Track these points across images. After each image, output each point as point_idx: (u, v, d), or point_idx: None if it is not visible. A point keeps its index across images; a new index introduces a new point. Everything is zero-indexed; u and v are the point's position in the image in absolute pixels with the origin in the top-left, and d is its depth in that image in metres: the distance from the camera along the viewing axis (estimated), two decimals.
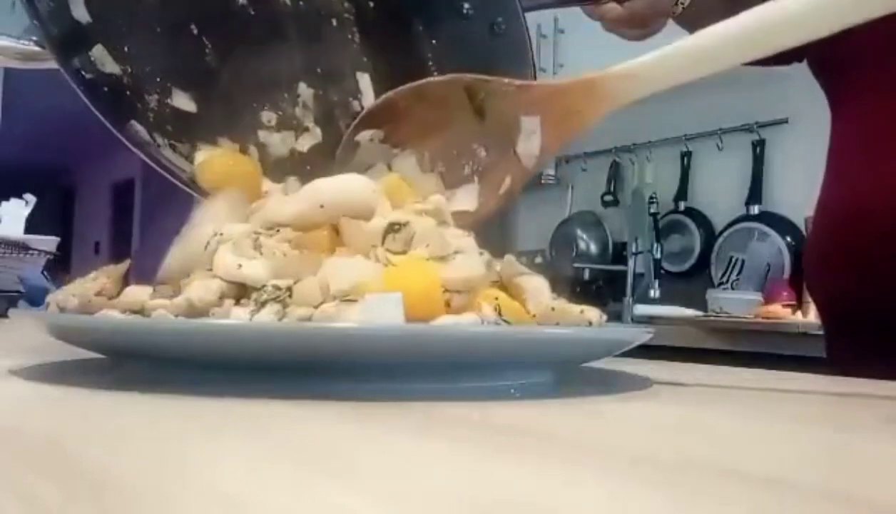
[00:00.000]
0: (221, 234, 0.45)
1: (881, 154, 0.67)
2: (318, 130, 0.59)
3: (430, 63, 0.60)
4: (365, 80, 0.59)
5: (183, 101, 0.55)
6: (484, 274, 0.43)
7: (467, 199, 0.52)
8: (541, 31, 2.64)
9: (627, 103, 0.47)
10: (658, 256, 2.65)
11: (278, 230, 0.45)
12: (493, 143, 0.51)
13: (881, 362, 0.59)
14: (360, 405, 0.35)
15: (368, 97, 0.59)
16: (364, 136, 0.52)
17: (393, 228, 0.44)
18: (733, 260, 2.53)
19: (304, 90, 0.59)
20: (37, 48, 0.57)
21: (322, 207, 0.45)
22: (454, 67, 0.55)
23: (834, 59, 0.71)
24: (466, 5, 0.57)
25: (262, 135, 0.58)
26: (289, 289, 0.40)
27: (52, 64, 0.54)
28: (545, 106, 0.49)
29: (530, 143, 0.50)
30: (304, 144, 0.58)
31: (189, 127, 0.56)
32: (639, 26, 0.58)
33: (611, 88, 0.46)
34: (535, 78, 0.61)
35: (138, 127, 0.54)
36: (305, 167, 0.57)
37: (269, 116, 0.58)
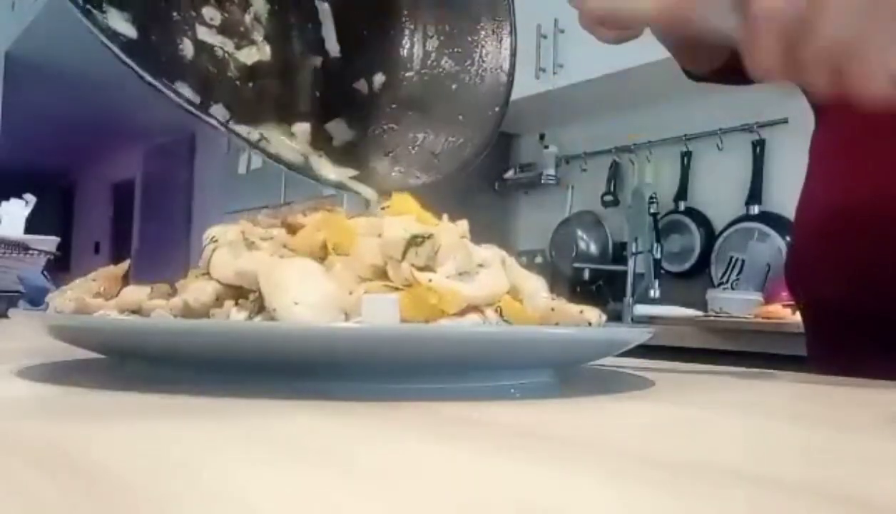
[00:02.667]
0: (216, 238, 0.44)
1: (860, 156, 0.68)
2: (266, 48, 0.54)
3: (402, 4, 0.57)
4: (324, 9, 0.56)
5: None
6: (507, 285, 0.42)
7: None
8: (541, 32, 2.64)
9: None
10: (658, 256, 2.64)
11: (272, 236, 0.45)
12: None
13: (863, 361, 0.59)
14: (361, 405, 0.35)
15: (328, 28, 0.55)
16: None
17: (416, 240, 0.40)
18: (733, 260, 2.52)
19: (258, 1, 0.54)
20: None
21: None
22: (425, 9, 0.53)
23: None
24: None
25: (202, 32, 0.52)
26: None
27: None
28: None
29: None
30: (249, 56, 0.53)
31: None
32: (616, 27, 0.57)
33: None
34: (514, 24, 0.59)
35: None
36: (247, 84, 0.52)
37: (211, 14, 0.52)
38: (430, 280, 0.39)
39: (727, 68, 0.75)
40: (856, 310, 0.66)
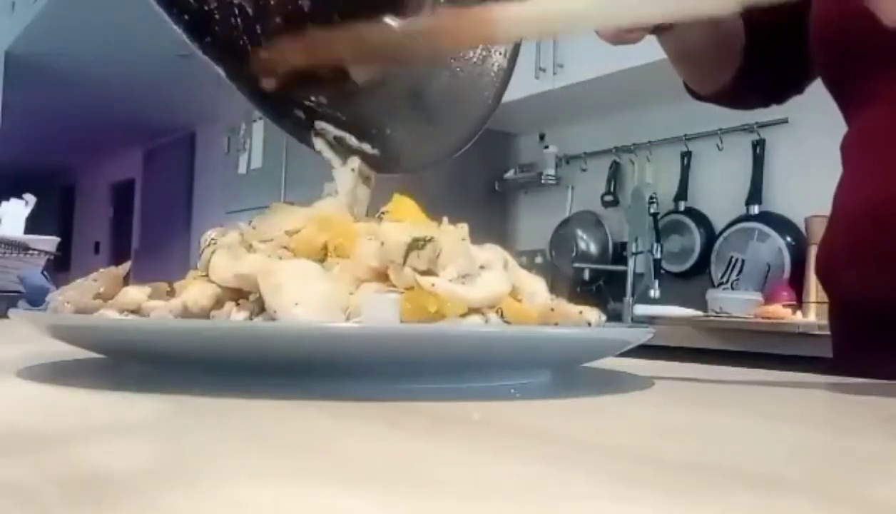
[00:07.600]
0: (215, 241, 0.44)
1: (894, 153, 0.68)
2: None
3: None
4: None
5: None
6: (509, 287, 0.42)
7: None
8: None
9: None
10: (658, 256, 2.64)
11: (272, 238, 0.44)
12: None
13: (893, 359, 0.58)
14: (361, 405, 0.35)
15: None
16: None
17: (417, 244, 0.40)
18: (733, 260, 2.52)
19: None
20: None
21: None
22: None
23: (847, 71, 0.72)
24: None
25: None
26: None
27: None
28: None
29: None
30: None
31: None
32: (613, 27, 0.57)
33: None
34: None
35: None
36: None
37: None
38: (432, 285, 0.39)
39: (729, 90, 0.76)
40: (888, 305, 0.66)
